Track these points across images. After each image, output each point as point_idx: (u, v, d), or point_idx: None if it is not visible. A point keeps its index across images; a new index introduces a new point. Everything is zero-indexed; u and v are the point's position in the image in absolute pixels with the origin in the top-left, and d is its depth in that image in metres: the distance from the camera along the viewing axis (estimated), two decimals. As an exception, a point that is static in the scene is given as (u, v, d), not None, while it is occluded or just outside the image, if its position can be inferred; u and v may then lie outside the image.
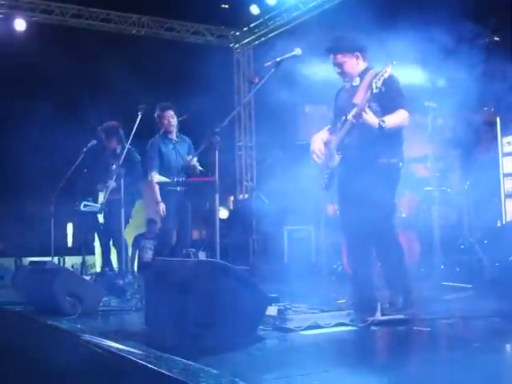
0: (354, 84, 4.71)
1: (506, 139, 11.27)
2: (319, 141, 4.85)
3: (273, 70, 4.56)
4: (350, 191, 4.70)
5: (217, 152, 4.38)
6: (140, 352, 3.21)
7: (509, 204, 11.19)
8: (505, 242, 7.12)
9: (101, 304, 5.12)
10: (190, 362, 2.92)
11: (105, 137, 7.74)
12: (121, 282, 5.75)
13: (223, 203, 11.25)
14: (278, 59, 4.55)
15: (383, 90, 4.31)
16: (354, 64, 4.72)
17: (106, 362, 3.24)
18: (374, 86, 4.29)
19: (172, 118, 7.00)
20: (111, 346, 3.37)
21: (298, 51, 4.54)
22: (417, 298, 4.69)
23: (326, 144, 4.81)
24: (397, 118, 4.48)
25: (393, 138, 4.60)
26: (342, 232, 5.35)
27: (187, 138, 7.26)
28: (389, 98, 4.47)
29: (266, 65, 4.58)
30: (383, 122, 4.38)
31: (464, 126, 11.86)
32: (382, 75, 4.28)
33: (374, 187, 4.48)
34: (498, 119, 11.22)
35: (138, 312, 4.87)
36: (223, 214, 10.63)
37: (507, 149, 11.22)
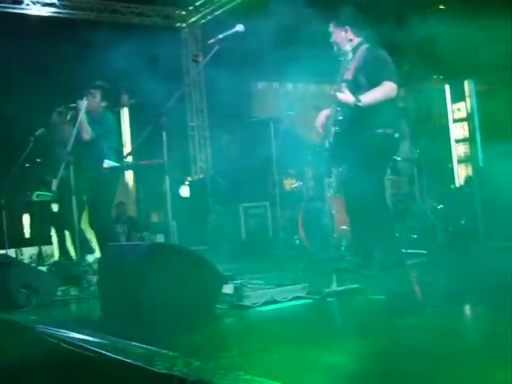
0: (347, 58, 4.92)
1: (455, 106, 11.49)
2: (323, 115, 5.17)
3: (217, 47, 4.53)
4: (345, 163, 5.09)
5: (164, 133, 4.34)
6: (96, 340, 3.18)
7: (461, 169, 11.43)
8: (458, 206, 7.27)
9: (57, 294, 5.06)
10: (145, 346, 2.90)
11: (61, 121, 7.56)
12: (76, 270, 5.68)
13: (183, 183, 11.18)
14: (221, 36, 4.52)
15: (362, 63, 4.76)
16: (342, 36, 5.02)
17: (62, 352, 3.20)
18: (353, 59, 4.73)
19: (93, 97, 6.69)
20: (66, 336, 3.33)
21: (240, 27, 4.52)
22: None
23: (328, 118, 5.08)
24: (378, 92, 4.72)
25: (387, 108, 4.80)
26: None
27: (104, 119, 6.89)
28: (373, 70, 4.77)
29: (209, 42, 4.55)
30: (359, 100, 4.65)
31: (414, 94, 12.01)
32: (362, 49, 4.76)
33: (368, 158, 4.71)
34: (447, 87, 11.41)
35: (94, 299, 4.82)
36: (185, 191, 10.56)
37: (457, 115, 11.44)
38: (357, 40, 5.01)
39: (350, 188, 5.05)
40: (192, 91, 12.44)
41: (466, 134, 11.29)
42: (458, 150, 11.54)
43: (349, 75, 4.83)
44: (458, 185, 10.67)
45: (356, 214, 5.07)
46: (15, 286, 4.66)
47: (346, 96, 4.69)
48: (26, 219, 12.02)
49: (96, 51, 10.02)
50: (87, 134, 6.44)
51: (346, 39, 5.00)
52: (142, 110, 11.55)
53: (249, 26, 4.70)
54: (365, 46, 4.93)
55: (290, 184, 8.63)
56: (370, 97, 4.69)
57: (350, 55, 4.91)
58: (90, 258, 6.27)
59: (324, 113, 5.18)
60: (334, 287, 4.10)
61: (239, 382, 2.22)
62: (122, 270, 3.89)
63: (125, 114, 12.97)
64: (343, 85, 4.69)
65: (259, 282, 4.35)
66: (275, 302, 3.93)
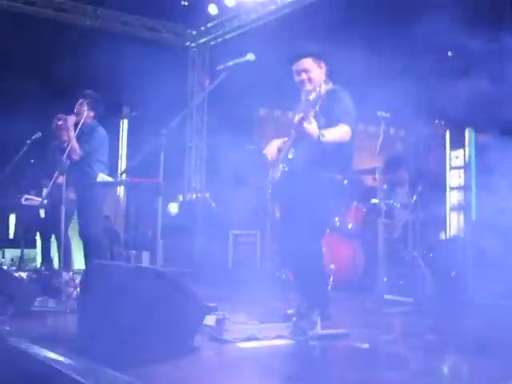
0: (309, 97, 4.67)
1: (454, 153, 11.46)
2: (274, 145, 4.81)
3: (224, 73, 4.47)
4: (288, 204, 4.67)
5: (162, 154, 4.26)
6: (68, 361, 3.07)
7: (453, 217, 11.38)
8: (449, 257, 7.19)
9: (35, 304, 4.94)
10: (119, 375, 2.80)
11: (59, 127, 7.43)
12: (57, 282, 5.55)
13: (173, 200, 11.09)
14: (231, 63, 4.45)
15: (324, 104, 4.38)
16: (318, 73, 4.70)
17: (32, 369, 3.09)
18: (311, 98, 4.28)
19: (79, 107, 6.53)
20: (38, 354, 3.23)
21: (251, 56, 4.45)
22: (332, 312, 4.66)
23: (279, 151, 4.76)
24: (337, 132, 4.42)
25: (339, 153, 4.54)
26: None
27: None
28: (333, 111, 4.49)
29: (218, 68, 4.48)
30: (323, 135, 4.29)
31: (415, 137, 12.00)
32: (320, 91, 4.34)
33: (313, 203, 4.45)
34: (447, 132, 11.40)
35: (72, 315, 4.71)
36: (174, 209, 10.45)
37: (455, 162, 11.41)
38: (322, 80, 4.69)
39: (284, 234, 4.74)
40: (193, 111, 12.40)
41: (462, 182, 11.26)
42: (452, 198, 11.49)
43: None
44: (450, 233, 10.60)
45: (291, 267, 4.82)
46: (-8, 293, 4.56)
47: (312, 127, 4.26)
48: (13, 220, 11.91)
49: (101, 60, 9.99)
50: (76, 154, 6.28)
51: (320, 76, 4.70)
52: (142, 123, 11.52)
53: (256, 52, 4.61)
54: (330, 87, 4.63)
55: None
56: (331, 134, 4.34)
57: (314, 94, 4.51)
58: (73, 272, 6.15)
59: (276, 142, 4.82)
60: (318, 330, 4.00)
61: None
62: (103, 290, 3.78)
63: (124, 125, 12.92)
64: (311, 113, 4.26)
65: (242, 315, 4.25)
66: (256, 339, 3.83)
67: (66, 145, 6.69)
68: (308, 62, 4.70)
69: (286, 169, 4.55)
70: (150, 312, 3.51)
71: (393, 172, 7.45)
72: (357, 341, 4.02)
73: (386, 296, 6.07)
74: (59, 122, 6.70)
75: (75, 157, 6.28)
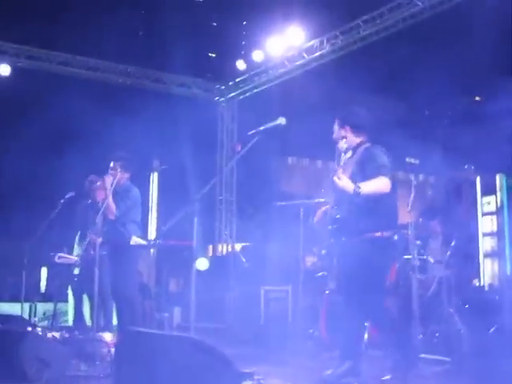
0: (347, 157, 4.88)
1: (485, 199, 11.29)
2: (322, 213, 5.02)
3: (256, 138, 4.52)
4: (343, 265, 4.87)
5: (196, 219, 4.28)
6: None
7: (487, 264, 11.14)
8: (484, 310, 7.03)
9: (68, 369, 4.94)
10: None
11: (94, 187, 7.50)
12: (90, 346, 5.54)
13: (202, 253, 11.08)
14: (262, 128, 4.51)
15: (360, 163, 4.62)
16: (340, 135, 4.94)
17: None
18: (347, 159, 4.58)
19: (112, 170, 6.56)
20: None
21: (282, 121, 4.50)
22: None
23: (325, 214, 4.96)
24: (375, 184, 4.55)
25: (385, 208, 4.67)
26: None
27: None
28: (370, 167, 4.63)
29: (250, 133, 4.54)
30: (358, 187, 4.44)
31: (445, 183, 11.89)
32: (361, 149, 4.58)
33: (368, 263, 4.58)
34: (478, 178, 11.27)
35: (106, 379, 4.69)
36: (203, 265, 10.43)
37: (487, 208, 11.23)
38: (357, 140, 4.90)
39: (347, 292, 4.89)
40: (223, 166, 12.52)
41: (495, 228, 11.10)
42: (485, 244, 11.32)
43: (346, 174, 4.69)
44: (483, 281, 10.37)
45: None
46: (27, 358, 4.57)
47: (342, 182, 4.46)
48: (44, 274, 12.00)
49: (133, 116, 10.18)
50: (112, 213, 6.37)
51: (347, 140, 4.93)
52: (172, 176, 11.67)
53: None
54: (364, 146, 4.81)
55: (312, 261, 8.49)
56: (369, 186, 4.48)
57: (350, 153, 4.84)
58: (107, 336, 6.13)
59: (323, 209, 5.03)
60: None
61: None
62: (138, 357, 3.79)
63: (154, 178, 13.07)
64: (340, 170, 4.47)
65: (277, 380, 4.21)
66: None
67: (100, 204, 6.77)
68: (335, 125, 5.04)
69: (334, 227, 4.73)
70: (185, 380, 3.49)
71: (425, 224, 7.39)
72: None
73: (421, 355, 5.93)
74: (98, 183, 6.82)
75: (111, 216, 6.37)
